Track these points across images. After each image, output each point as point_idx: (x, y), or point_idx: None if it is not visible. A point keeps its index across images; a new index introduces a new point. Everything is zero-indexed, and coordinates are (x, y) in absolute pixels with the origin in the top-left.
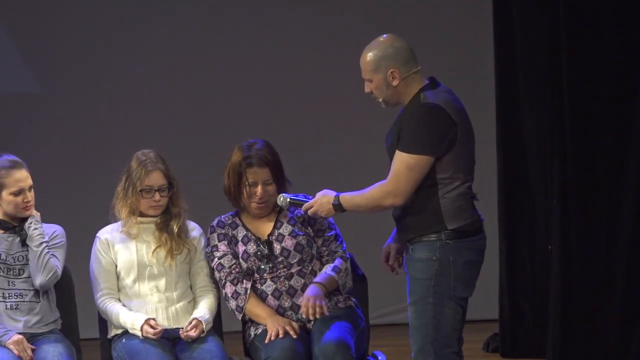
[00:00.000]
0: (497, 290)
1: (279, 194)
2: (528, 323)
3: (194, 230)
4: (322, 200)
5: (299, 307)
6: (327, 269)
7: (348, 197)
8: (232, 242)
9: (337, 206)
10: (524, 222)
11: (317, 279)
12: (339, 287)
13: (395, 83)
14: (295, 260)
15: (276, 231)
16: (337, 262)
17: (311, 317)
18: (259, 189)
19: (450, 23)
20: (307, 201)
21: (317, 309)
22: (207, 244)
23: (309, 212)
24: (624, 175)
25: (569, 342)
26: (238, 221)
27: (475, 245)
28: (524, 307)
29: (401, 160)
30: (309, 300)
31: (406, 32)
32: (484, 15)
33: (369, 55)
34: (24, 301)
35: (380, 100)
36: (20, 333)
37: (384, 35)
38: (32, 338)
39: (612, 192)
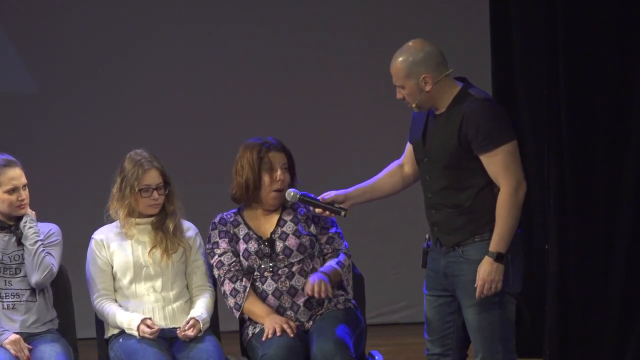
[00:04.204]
0: None
1: (292, 183)
2: (524, 323)
3: (189, 230)
4: (482, 270)
5: (299, 307)
6: (332, 262)
7: (496, 239)
8: (234, 239)
9: (499, 256)
10: (521, 221)
11: (321, 269)
12: (342, 281)
13: (427, 88)
14: (296, 260)
15: (279, 229)
16: (341, 257)
17: (316, 295)
18: (280, 172)
19: (446, 24)
20: (317, 199)
21: (323, 287)
22: (208, 240)
23: (484, 292)
24: (620, 175)
25: (565, 342)
26: (240, 219)
27: (519, 238)
28: (520, 307)
29: (502, 154)
30: (314, 280)
31: (403, 33)
32: (481, 16)
33: (400, 62)
34: (21, 301)
35: (414, 105)
36: (17, 333)
37: (413, 40)
38: (29, 338)
39: (608, 192)
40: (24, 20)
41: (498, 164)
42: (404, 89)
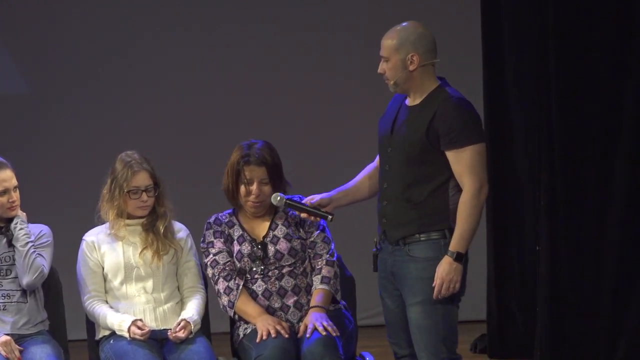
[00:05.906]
0: (485, 291)
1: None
2: (516, 324)
3: (181, 231)
4: (441, 270)
5: (288, 307)
6: (317, 282)
7: (457, 239)
8: (228, 240)
9: (458, 255)
10: (512, 223)
11: (315, 302)
12: (334, 295)
13: (412, 68)
14: (287, 263)
15: (271, 232)
16: (325, 271)
17: (323, 333)
18: (255, 187)
19: (438, 23)
20: (303, 204)
21: (329, 328)
22: (203, 239)
23: (442, 292)
24: (612, 176)
25: (556, 343)
26: (235, 220)
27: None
28: (512, 308)
29: (470, 152)
30: (317, 322)
31: None
32: (473, 15)
33: (393, 35)
34: (12, 302)
35: (392, 82)
36: (7, 334)
37: (411, 21)
38: (19, 339)
39: (599, 194)
40: (23, 20)
41: (464, 162)
42: (387, 63)
